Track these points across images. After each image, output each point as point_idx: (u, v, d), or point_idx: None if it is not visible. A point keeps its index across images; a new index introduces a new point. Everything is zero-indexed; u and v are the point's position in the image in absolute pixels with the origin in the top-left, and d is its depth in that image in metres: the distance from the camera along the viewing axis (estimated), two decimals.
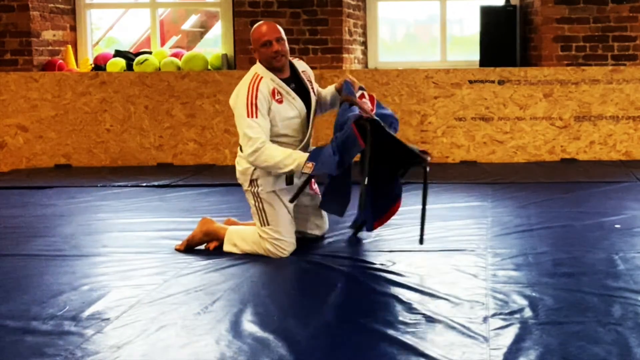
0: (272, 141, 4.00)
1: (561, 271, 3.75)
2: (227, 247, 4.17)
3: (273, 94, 3.99)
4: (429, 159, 4.03)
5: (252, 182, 4.08)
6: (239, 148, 4.16)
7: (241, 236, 4.16)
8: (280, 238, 4.07)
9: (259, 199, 4.07)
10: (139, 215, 5.20)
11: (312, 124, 4.18)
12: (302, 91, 4.14)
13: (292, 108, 4.06)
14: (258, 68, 4.06)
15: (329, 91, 4.38)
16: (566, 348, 2.82)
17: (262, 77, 4.00)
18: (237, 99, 4.00)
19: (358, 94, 4.18)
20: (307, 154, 3.90)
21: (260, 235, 4.10)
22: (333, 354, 2.83)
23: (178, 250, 4.23)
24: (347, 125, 3.87)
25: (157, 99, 7.13)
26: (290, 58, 4.20)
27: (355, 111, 3.93)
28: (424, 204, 4.05)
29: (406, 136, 6.81)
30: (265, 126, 3.95)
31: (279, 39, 4.02)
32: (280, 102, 4.01)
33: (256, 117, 3.91)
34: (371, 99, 4.25)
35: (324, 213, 4.37)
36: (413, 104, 6.97)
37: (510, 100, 6.99)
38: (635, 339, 2.89)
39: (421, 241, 4.08)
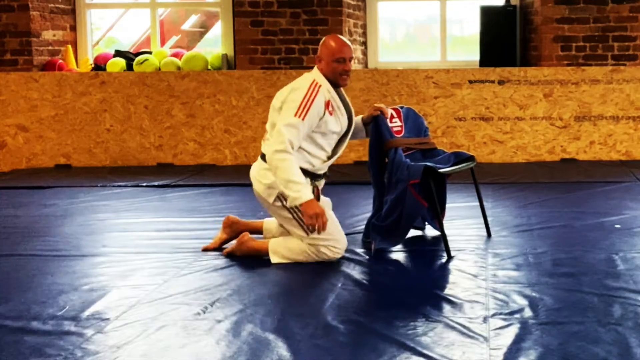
0: (303, 149, 3.93)
1: (561, 271, 3.75)
2: (275, 260, 3.99)
3: (327, 105, 3.94)
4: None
5: (280, 197, 3.91)
6: (260, 157, 4.03)
7: (287, 247, 3.99)
8: (332, 238, 3.94)
9: (296, 210, 3.89)
10: (139, 215, 5.20)
11: (344, 146, 4.13)
12: (345, 111, 4.11)
13: (337, 123, 4.02)
14: (317, 76, 3.99)
15: (355, 121, 4.27)
16: (566, 348, 2.82)
17: (321, 85, 3.95)
18: (290, 94, 3.91)
19: (388, 118, 4.28)
20: (312, 197, 3.79)
21: (310, 244, 3.93)
22: (333, 354, 2.83)
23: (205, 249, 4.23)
24: (400, 186, 4.05)
25: (157, 99, 7.13)
26: None
27: (403, 165, 4.08)
28: (480, 200, 4.42)
29: None
30: (304, 133, 3.87)
31: (351, 59, 4.04)
32: (331, 114, 3.96)
33: (303, 119, 3.83)
34: (397, 113, 4.35)
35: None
36: (413, 104, 6.96)
37: (510, 100, 7.00)
38: (635, 339, 2.89)
39: (489, 234, 4.42)
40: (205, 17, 8.96)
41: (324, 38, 4.09)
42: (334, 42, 4.00)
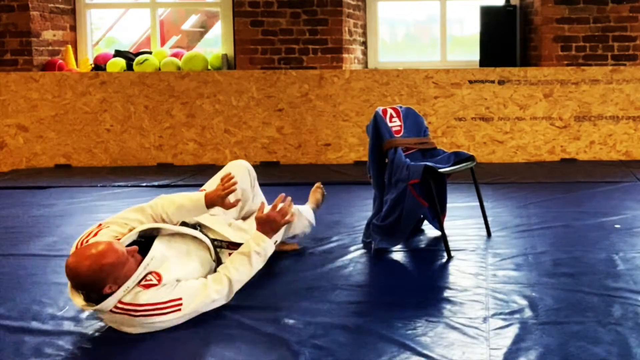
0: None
1: (561, 271, 3.75)
2: None
3: (144, 285, 3.03)
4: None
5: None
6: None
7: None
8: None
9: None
10: None
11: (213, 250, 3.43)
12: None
13: (179, 243, 3.26)
14: (119, 295, 2.95)
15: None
16: (566, 348, 2.82)
17: (128, 282, 2.98)
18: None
19: (387, 116, 4.28)
20: (267, 238, 3.32)
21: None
22: (333, 354, 2.82)
23: None
24: (400, 186, 4.04)
25: (157, 99, 7.13)
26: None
27: (403, 165, 4.07)
28: (480, 200, 4.43)
29: None
30: (197, 287, 3.16)
31: None
32: (159, 277, 3.06)
33: (180, 310, 3.06)
34: (396, 112, 4.35)
35: None
36: (413, 104, 6.96)
37: (510, 100, 6.99)
38: (635, 339, 2.89)
39: (489, 234, 4.41)
40: (205, 17, 8.96)
41: (88, 271, 2.89)
42: (111, 252, 2.94)
